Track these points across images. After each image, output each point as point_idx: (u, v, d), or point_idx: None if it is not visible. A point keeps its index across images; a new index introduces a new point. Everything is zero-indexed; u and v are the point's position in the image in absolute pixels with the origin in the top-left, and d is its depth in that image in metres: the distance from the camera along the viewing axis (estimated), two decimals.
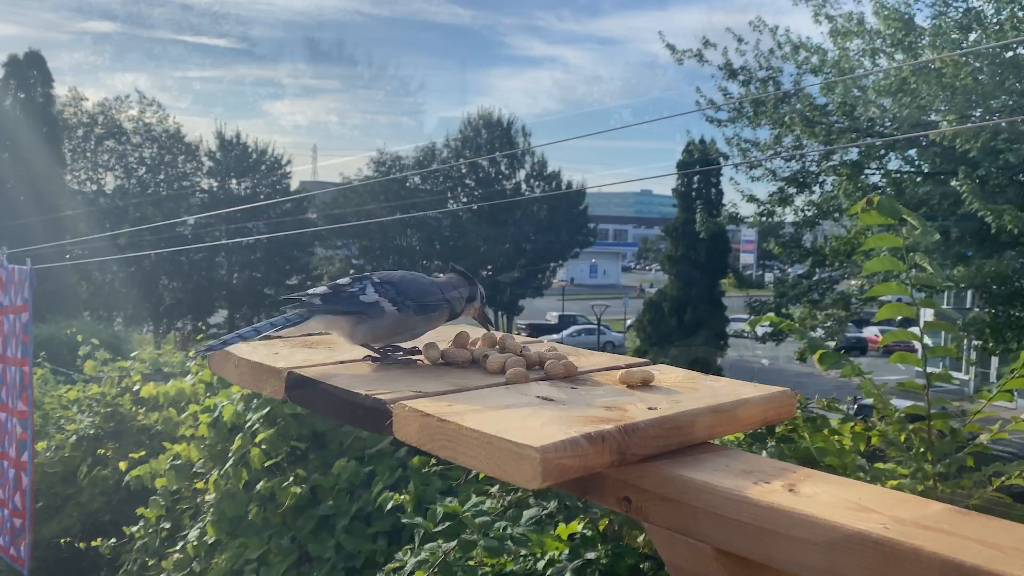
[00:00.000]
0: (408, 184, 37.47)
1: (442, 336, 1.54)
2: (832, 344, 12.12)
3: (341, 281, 1.43)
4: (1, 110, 26.52)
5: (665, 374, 1.30)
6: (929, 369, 1.86)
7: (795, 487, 0.94)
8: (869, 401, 1.99)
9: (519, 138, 39.61)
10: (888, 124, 12.22)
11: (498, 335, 1.44)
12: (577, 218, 39.97)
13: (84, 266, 27.95)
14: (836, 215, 13.20)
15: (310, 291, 1.43)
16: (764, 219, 14.21)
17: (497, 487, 2.17)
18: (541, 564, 2.02)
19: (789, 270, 24.13)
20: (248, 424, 3.30)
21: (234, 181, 35.31)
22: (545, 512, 2.07)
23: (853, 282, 14.71)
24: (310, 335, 1.55)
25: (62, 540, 4.85)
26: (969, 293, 14.79)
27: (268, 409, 3.24)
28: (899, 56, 11.43)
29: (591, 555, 1.96)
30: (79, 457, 5.05)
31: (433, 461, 2.76)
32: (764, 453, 2.02)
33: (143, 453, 4.54)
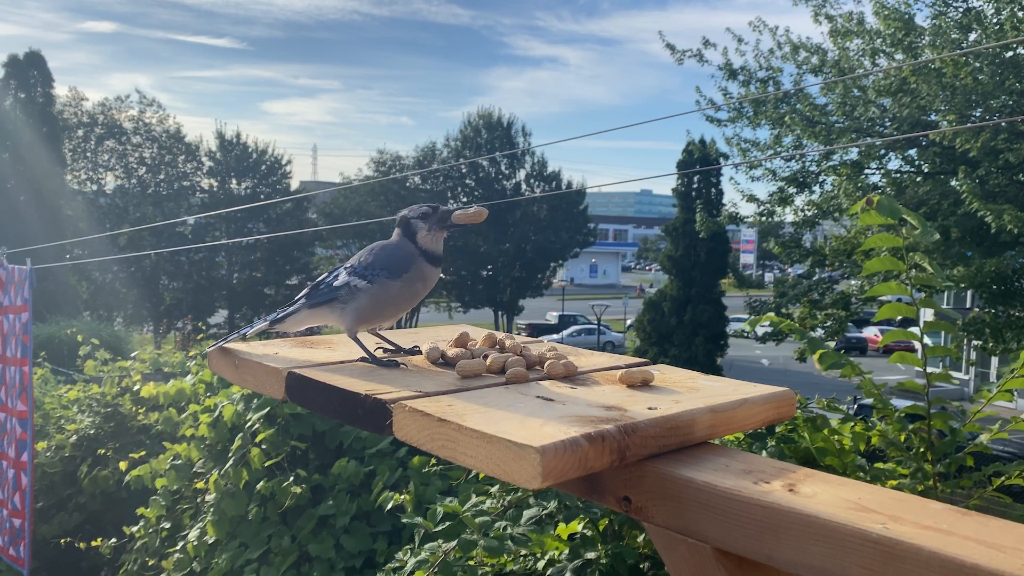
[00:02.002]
0: (408, 184, 37.46)
1: (442, 336, 1.54)
2: (832, 344, 12.11)
3: (320, 277, 1.48)
4: (1, 110, 26.51)
5: (665, 374, 1.30)
6: (929, 369, 1.86)
7: (795, 487, 0.94)
8: (869, 401, 2.00)
9: (519, 138, 39.62)
10: (888, 124, 12.22)
11: (498, 335, 1.44)
12: (577, 218, 39.96)
13: (84, 266, 27.96)
14: (836, 215, 13.20)
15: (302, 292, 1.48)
16: (764, 219, 14.19)
17: (497, 487, 2.17)
18: (541, 564, 2.02)
19: (789, 270, 24.14)
20: (248, 424, 3.30)
21: (234, 181, 35.31)
22: (545, 512, 2.07)
23: (853, 282, 14.71)
24: (309, 335, 1.55)
25: (62, 540, 4.85)
26: (969, 293, 14.79)
27: (268, 409, 3.24)
28: (899, 56, 11.43)
29: (591, 555, 1.96)
30: (79, 457, 5.05)
31: (433, 461, 2.77)
32: (764, 453, 2.03)
33: (143, 453, 4.54)
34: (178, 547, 3.47)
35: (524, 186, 39.38)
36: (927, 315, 2.00)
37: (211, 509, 3.32)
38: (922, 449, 1.89)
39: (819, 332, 13.31)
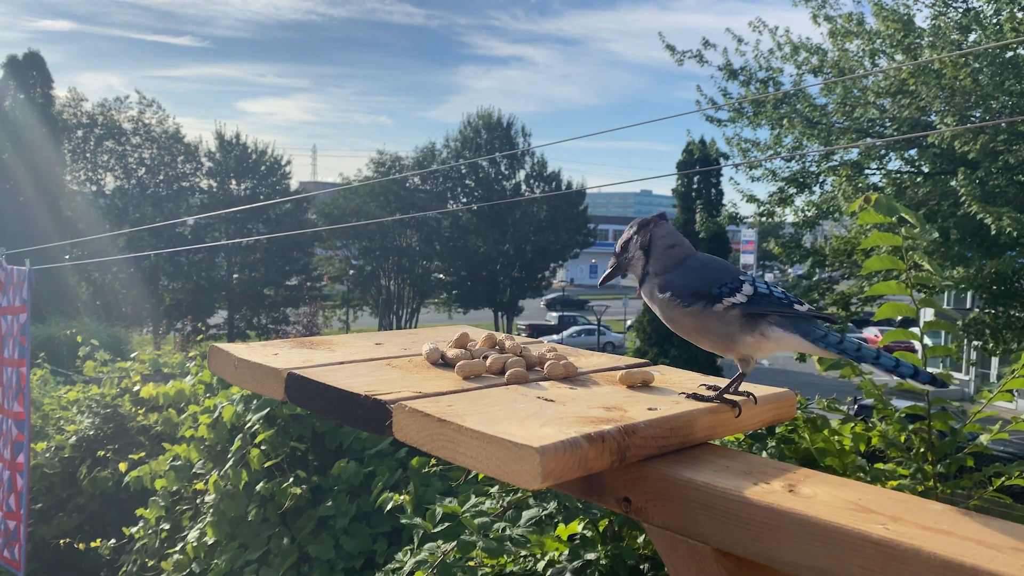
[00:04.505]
0: (408, 184, 37.46)
1: (442, 337, 1.54)
2: None
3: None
4: (0, 111, 26.51)
5: (665, 375, 1.30)
6: (929, 369, 1.86)
7: (795, 488, 0.94)
8: (869, 401, 1.99)
9: (519, 138, 39.62)
10: (888, 125, 12.21)
11: (498, 336, 1.44)
12: (577, 218, 39.96)
13: (84, 267, 27.95)
14: (836, 216, 13.20)
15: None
16: (764, 219, 14.20)
17: (497, 488, 2.17)
18: (541, 565, 2.02)
19: (789, 270, 24.13)
20: (248, 425, 3.29)
21: (233, 182, 35.31)
22: (545, 513, 2.07)
23: (852, 282, 14.71)
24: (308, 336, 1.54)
25: (62, 541, 4.85)
26: (969, 294, 14.79)
27: (268, 410, 3.24)
28: (899, 57, 11.43)
29: (591, 556, 1.96)
30: (79, 458, 5.05)
31: (433, 461, 2.76)
32: (764, 454, 2.02)
33: (143, 454, 4.54)
34: (177, 548, 3.47)
35: (524, 186, 39.38)
36: (927, 315, 2.00)
37: (210, 510, 3.31)
38: (922, 450, 1.89)
39: None
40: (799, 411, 2.08)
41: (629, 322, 38.85)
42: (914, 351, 1.88)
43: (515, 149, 38.38)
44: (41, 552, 4.96)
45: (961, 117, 10.74)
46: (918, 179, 12.58)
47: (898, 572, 0.79)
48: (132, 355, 5.79)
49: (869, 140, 12.04)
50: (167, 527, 3.76)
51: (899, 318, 2.07)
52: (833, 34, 12.17)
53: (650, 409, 1.08)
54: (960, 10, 11.44)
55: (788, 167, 13.56)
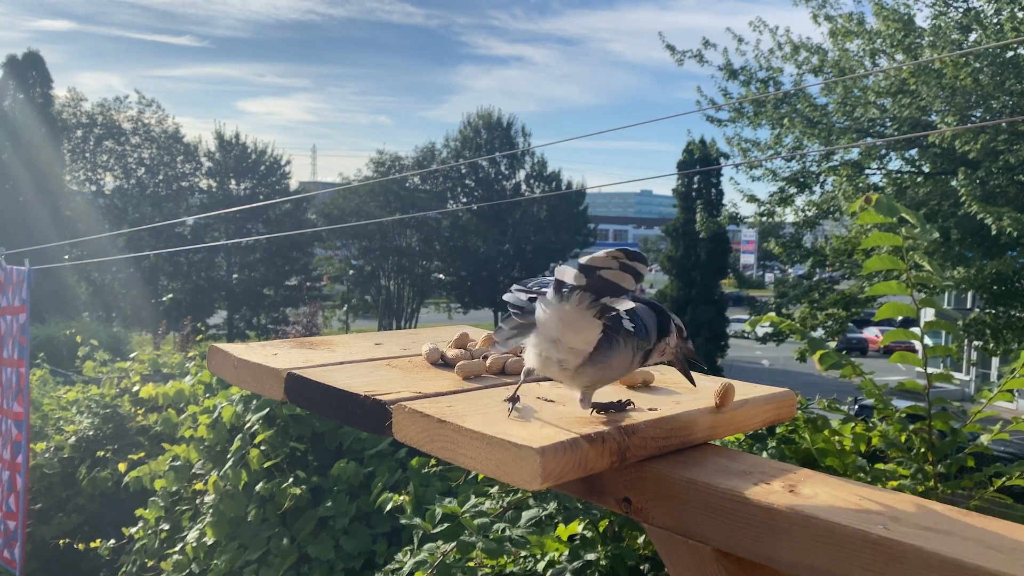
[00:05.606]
0: (408, 184, 37.45)
1: (442, 337, 1.53)
2: (832, 344, 12.08)
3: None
4: (0, 110, 26.50)
5: (665, 375, 1.30)
6: (930, 369, 1.86)
7: (795, 488, 0.94)
8: (870, 402, 1.99)
9: (519, 138, 39.62)
10: (888, 124, 12.21)
11: None
12: (577, 218, 39.96)
13: (83, 267, 27.95)
14: (836, 215, 13.21)
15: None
16: (764, 219, 14.20)
17: (496, 488, 2.17)
18: (541, 565, 2.02)
19: (789, 270, 24.15)
20: (247, 425, 3.29)
21: (233, 182, 35.30)
22: (545, 513, 2.07)
23: (853, 282, 14.71)
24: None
25: (61, 541, 4.85)
26: (970, 294, 14.79)
27: (267, 410, 3.24)
28: (899, 57, 11.43)
29: (591, 556, 1.95)
30: (78, 458, 5.05)
31: (433, 462, 2.76)
32: (765, 454, 2.02)
33: (142, 454, 4.54)
34: (177, 548, 3.47)
35: (524, 186, 39.38)
36: (928, 315, 1.99)
37: (210, 510, 3.31)
38: (923, 450, 1.89)
39: (819, 332, 13.30)
40: (799, 411, 2.08)
41: None
42: (915, 351, 1.88)
43: (515, 149, 38.37)
44: (41, 552, 4.96)
45: (962, 117, 10.73)
46: (918, 179, 12.58)
47: (899, 572, 0.79)
48: (131, 355, 5.79)
49: (869, 140, 12.05)
50: (167, 527, 3.76)
51: (899, 318, 2.08)
52: (833, 34, 12.17)
53: (650, 409, 1.07)
54: (960, 10, 11.44)
55: (788, 167, 13.56)
